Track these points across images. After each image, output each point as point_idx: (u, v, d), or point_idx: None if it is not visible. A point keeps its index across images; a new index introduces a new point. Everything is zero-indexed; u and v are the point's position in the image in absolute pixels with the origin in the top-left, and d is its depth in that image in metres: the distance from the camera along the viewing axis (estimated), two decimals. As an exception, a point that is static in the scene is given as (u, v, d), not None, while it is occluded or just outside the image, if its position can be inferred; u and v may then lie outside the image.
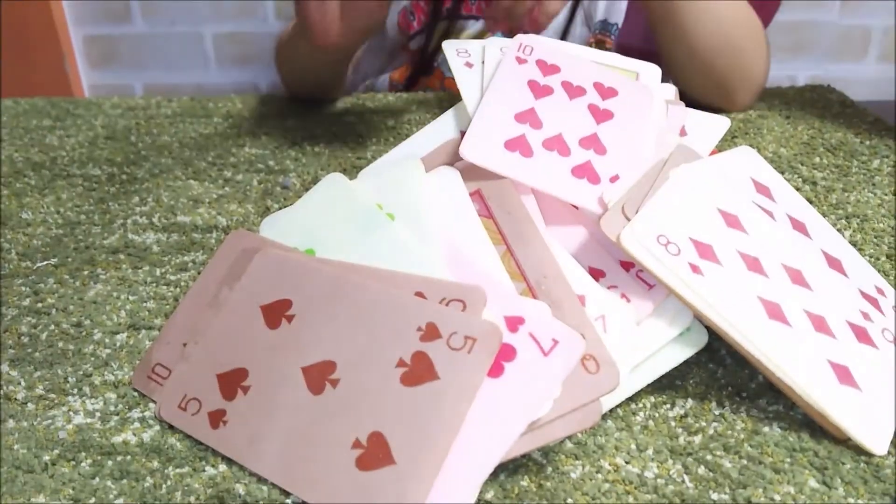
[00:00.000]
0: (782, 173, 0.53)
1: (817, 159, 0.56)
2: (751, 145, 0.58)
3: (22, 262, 0.44)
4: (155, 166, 0.57)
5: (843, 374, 0.31)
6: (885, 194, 0.50)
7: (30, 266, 0.44)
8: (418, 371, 0.29)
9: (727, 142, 0.58)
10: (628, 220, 0.33)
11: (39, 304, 0.40)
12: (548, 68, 0.40)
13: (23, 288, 0.42)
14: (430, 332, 0.29)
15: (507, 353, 0.29)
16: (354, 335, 0.30)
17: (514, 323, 0.29)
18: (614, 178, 0.36)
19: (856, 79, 1.10)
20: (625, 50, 0.70)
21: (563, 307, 0.31)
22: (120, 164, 0.57)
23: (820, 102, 0.67)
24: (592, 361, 0.29)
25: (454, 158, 0.37)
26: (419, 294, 0.30)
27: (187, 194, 0.52)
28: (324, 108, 0.67)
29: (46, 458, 0.30)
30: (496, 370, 0.28)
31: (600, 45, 0.74)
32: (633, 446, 0.30)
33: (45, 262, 0.44)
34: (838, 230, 0.46)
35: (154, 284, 0.42)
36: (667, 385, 0.33)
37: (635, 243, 0.32)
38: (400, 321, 0.30)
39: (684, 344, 0.33)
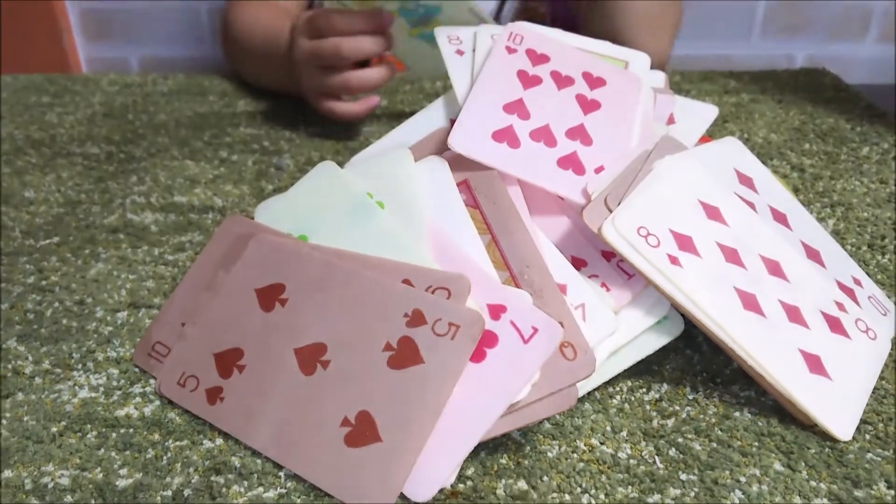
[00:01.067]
0: (771, 160, 0.54)
1: (807, 146, 0.56)
2: (742, 130, 0.58)
3: (26, 239, 0.46)
4: (152, 145, 0.58)
5: (814, 364, 0.33)
6: (872, 182, 0.51)
7: (33, 244, 0.45)
8: (404, 355, 0.30)
9: (718, 126, 0.59)
10: (610, 211, 0.34)
11: (43, 282, 0.42)
12: (537, 58, 0.41)
13: (27, 266, 0.43)
14: (416, 318, 0.30)
15: (489, 339, 0.30)
16: (344, 319, 0.32)
17: (496, 311, 0.31)
18: (599, 169, 0.37)
19: (854, 59, 1.09)
20: (559, 10, 0.70)
21: (544, 296, 0.32)
22: (118, 142, 0.58)
23: (813, 86, 0.67)
24: (570, 348, 0.30)
25: (443, 148, 0.37)
26: (406, 281, 0.32)
27: (184, 174, 0.53)
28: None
29: (54, 429, 0.32)
30: (478, 355, 0.30)
31: (532, 10, 0.74)
32: (609, 428, 0.32)
33: (48, 241, 0.45)
34: (822, 219, 0.47)
35: (153, 264, 0.43)
36: (643, 370, 0.35)
37: (616, 235, 0.33)
38: (388, 307, 0.31)
39: (661, 332, 0.34)
